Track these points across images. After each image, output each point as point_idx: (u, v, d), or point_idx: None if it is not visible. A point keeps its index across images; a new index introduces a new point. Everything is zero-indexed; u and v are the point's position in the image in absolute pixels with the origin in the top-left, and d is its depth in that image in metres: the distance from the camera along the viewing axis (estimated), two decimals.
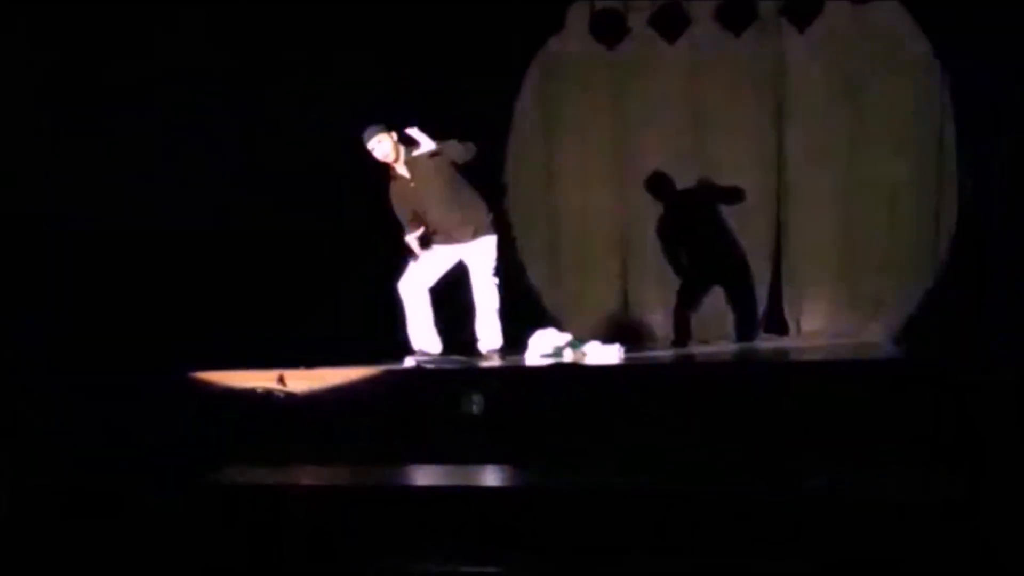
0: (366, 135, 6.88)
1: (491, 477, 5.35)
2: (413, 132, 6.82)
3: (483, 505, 4.96)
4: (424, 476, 5.44)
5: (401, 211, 7.02)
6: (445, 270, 7.09)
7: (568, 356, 6.91)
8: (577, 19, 8.95)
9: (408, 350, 7.01)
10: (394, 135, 6.91)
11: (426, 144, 6.81)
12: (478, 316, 7.07)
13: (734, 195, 8.46)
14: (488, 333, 7.06)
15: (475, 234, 7.04)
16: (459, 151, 6.89)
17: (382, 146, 6.87)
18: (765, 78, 8.53)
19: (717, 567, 4.33)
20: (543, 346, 7.06)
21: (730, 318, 8.47)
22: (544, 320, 8.30)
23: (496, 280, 7.06)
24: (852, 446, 5.03)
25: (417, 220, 6.97)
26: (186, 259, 7.37)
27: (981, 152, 7.83)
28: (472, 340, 7.10)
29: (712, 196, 8.52)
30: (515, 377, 6.23)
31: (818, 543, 4.31)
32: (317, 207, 8.07)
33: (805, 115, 8.44)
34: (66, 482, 5.59)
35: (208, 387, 6.15)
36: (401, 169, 6.97)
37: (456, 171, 6.98)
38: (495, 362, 6.85)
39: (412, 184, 6.97)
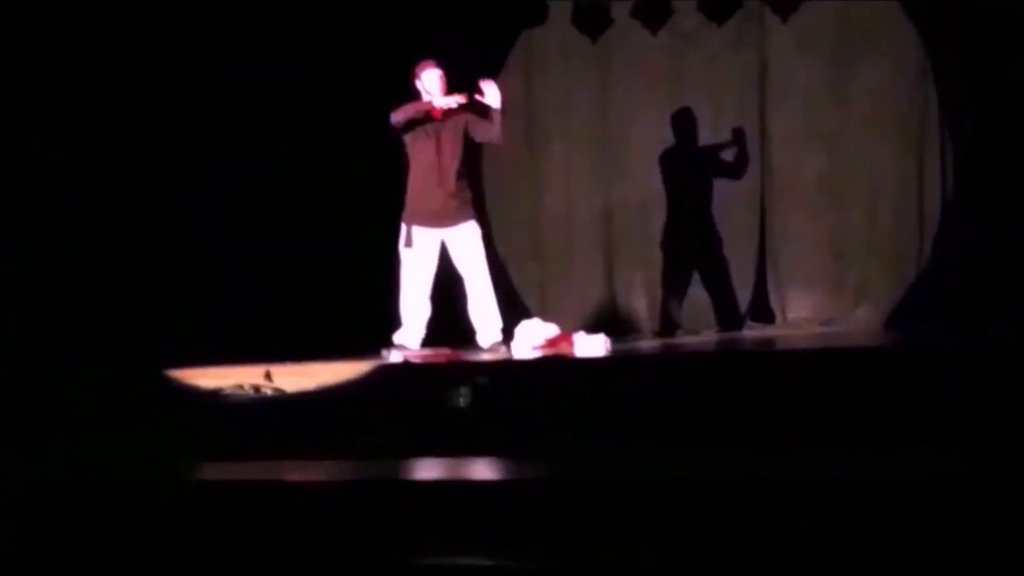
0: (419, 66, 6.95)
1: (483, 470, 5.31)
2: (488, 87, 6.80)
3: (476, 498, 4.92)
4: (416, 470, 5.40)
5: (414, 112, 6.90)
6: (436, 260, 6.99)
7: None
8: (560, 10, 8.94)
9: (388, 343, 6.95)
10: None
11: (494, 98, 6.79)
12: (476, 305, 6.98)
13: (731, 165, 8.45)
14: (489, 324, 6.98)
15: (468, 216, 6.99)
16: (498, 129, 6.89)
17: (431, 79, 6.90)
18: (749, 68, 8.54)
19: (716, 556, 4.30)
20: (529, 338, 7.02)
21: (716, 307, 8.45)
22: (526, 311, 8.29)
23: (486, 268, 7.00)
24: (844, 434, 5.01)
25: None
26: (171, 253, 7.35)
27: (965, 138, 7.85)
28: (466, 331, 7.05)
29: (698, 183, 8.48)
30: (503, 370, 6.19)
31: (818, 530, 4.28)
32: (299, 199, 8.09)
33: (789, 104, 8.44)
34: (55, 481, 5.53)
35: (195, 383, 6.10)
36: (440, 100, 6.85)
37: None
38: (492, 355, 6.80)
39: (440, 127, 6.89)
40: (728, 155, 8.44)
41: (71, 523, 5.16)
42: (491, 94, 6.80)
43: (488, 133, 6.93)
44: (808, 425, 5.06)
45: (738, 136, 8.41)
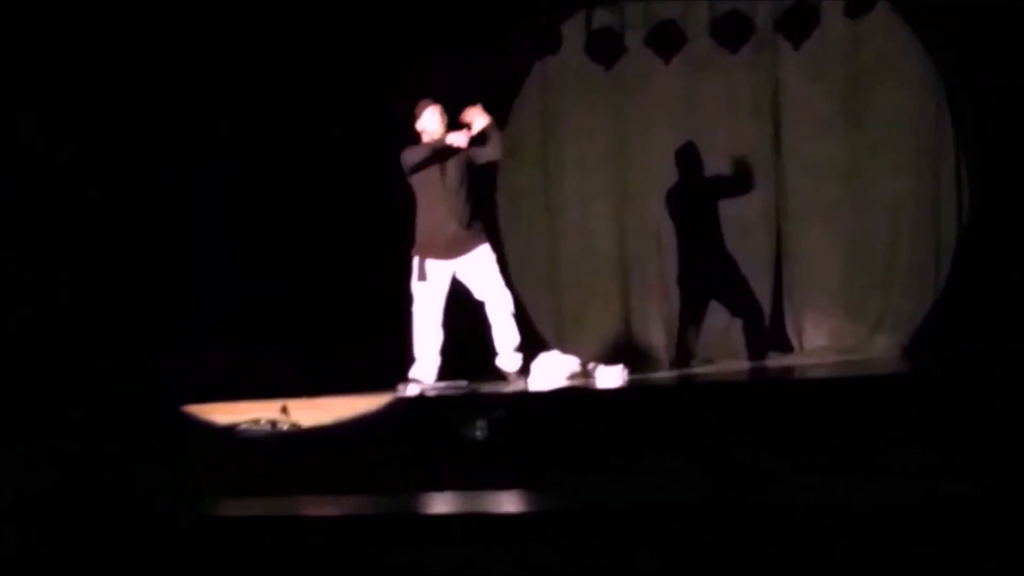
0: (419, 107, 6.97)
1: (500, 503, 5.28)
2: (471, 114, 6.86)
3: (493, 531, 4.89)
4: (432, 504, 5.37)
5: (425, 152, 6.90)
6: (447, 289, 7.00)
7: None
8: (573, 39, 8.94)
9: (403, 377, 6.93)
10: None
11: (482, 122, 6.85)
12: (497, 328, 6.99)
13: (737, 185, 8.43)
14: (508, 347, 6.99)
15: (479, 241, 7.00)
16: (496, 146, 7.01)
17: (433, 118, 6.92)
18: (762, 94, 8.52)
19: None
20: (548, 370, 7.00)
21: (733, 336, 8.41)
22: (543, 342, 8.27)
23: (505, 288, 7.01)
24: (865, 461, 4.98)
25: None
26: (187, 288, 7.37)
27: (980, 163, 7.81)
28: (482, 360, 7.04)
29: (706, 217, 8.46)
30: (522, 402, 6.17)
31: (835, 554, 4.25)
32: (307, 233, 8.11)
33: (803, 130, 8.42)
34: (69, 512, 5.53)
35: (211, 418, 6.11)
36: (453, 138, 6.82)
37: None
38: (511, 386, 6.78)
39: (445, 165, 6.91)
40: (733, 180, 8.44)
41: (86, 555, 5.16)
42: (477, 121, 6.84)
43: (488, 154, 7.03)
44: (818, 447, 5.05)
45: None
